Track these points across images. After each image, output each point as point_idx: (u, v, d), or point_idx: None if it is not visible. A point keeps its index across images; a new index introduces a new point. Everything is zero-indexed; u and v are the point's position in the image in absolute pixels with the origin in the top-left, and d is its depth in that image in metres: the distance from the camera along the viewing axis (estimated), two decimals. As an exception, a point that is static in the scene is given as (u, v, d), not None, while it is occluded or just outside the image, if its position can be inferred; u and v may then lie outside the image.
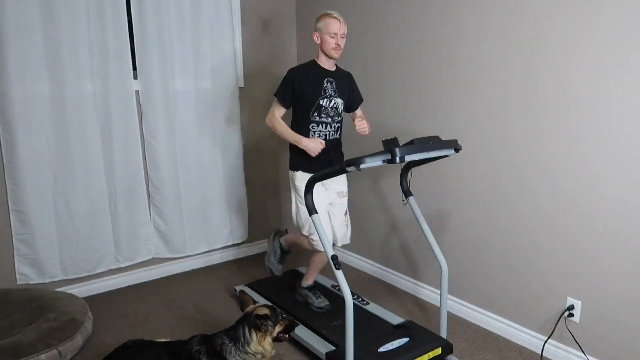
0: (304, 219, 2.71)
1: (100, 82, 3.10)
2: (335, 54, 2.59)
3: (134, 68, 3.24)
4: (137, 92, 3.27)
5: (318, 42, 2.60)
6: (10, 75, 2.79)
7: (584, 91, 2.23)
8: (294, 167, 2.73)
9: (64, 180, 3.06)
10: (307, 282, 3.01)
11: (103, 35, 3.05)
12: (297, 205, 2.75)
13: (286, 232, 3.22)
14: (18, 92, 2.83)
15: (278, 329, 2.18)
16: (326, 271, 3.48)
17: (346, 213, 2.85)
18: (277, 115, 2.66)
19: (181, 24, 3.33)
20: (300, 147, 2.58)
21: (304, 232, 2.77)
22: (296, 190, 2.72)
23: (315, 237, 2.70)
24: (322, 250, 2.73)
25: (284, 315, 2.25)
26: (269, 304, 2.37)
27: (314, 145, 2.56)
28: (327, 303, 2.90)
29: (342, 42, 2.57)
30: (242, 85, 3.73)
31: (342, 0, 3.45)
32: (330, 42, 2.54)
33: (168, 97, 3.34)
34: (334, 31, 2.52)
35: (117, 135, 3.20)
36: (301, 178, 2.66)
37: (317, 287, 3.06)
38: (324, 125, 2.64)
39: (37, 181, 2.97)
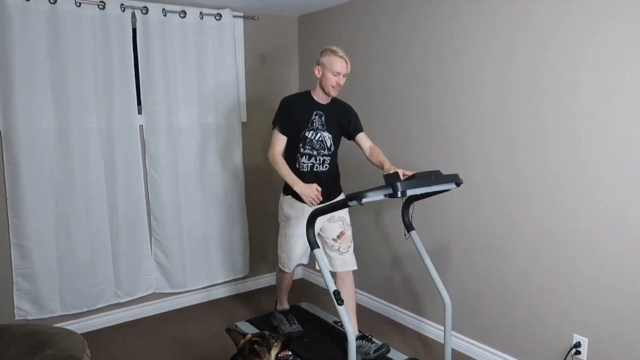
0: (280, 243, 2.86)
1: (105, 117, 3.14)
2: (334, 92, 2.60)
3: (139, 103, 3.29)
4: (141, 126, 3.31)
5: (318, 75, 2.60)
6: (17, 109, 2.84)
7: (591, 125, 2.25)
8: (285, 191, 2.77)
9: (66, 214, 3.06)
10: (282, 306, 3.14)
11: (109, 71, 3.11)
12: (281, 227, 2.84)
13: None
14: (24, 126, 2.87)
15: (275, 351, 2.15)
16: (329, 307, 3.45)
17: (338, 238, 2.76)
18: (278, 148, 2.66)
19: (186, 60, 3.40)
20: (295, 190, 2.54)
21: (279, 253, 2.89)
22: (282, 213, 2.80)
23: (282, 259, 2.86)
24: (284, 270, 2.88)
25: (275, 335, 2.22)
26: (258, 331, 2.34)
27: (308, 191, 2.50)
28: (300, 329, 2.99)
29: (342, 82, 2.58)
30: (245, 120, 3.77)
31: (345, 35, 3.52)
32: (332, 80, 2.54)
33: (172, 131, 3.39)
34: (337, 70, 2.51)
35: (120, 169, 3.22)
36: (289, 203, 2.74)
37: (292, 312, 3.16)
38: (307, 157, 2.66)
39: (40, 215, 2.97)
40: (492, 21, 2.57)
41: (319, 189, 2.51)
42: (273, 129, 2.72)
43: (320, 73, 2.58)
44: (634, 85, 2.07)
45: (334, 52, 2.53)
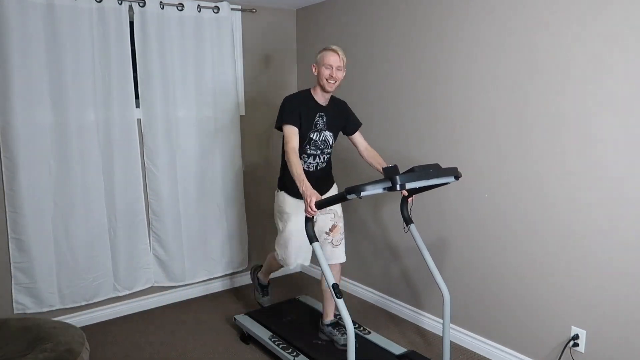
0: (277, 240, 2.89)
1: (103, 111, 3.13)
2: (329, 87, 2.57)
3: (136, 96, 3.27)
4: (138, 120, 3.29)
5: (315, 73, 2.63)
6: (14, 104, 2.82)
7: (597, 126, 2.25)
8: (280, 186, 2.83)
9: (64, 207, 3.06)
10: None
11: (106, 64, 3.10)
12: (277, 223, 2.87)
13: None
14: (22, 121, 2.86)
15: None
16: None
17: (330, 231, 2.78)
18: (293, 143, 2.54)
19: (184, 53, 3.39)
20: (300, 188, 2.38)
21: (276, 249, 2.90)
22: (278, 209, 2.86)
23: (281, 255, 2.85)
24: (284, 265, 2.90)
25: None
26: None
27: (310, 192, 2.31)
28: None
29: (338, 75, 2.55)
30: (243, 113, 3.76)
31: (343, 28, 3.51)
32: (325, 73, 2.54)
33: (169, 125, 3.37)
34: (329, 63, 2.53)
35: (118, 163, 3.21)
36: (282, 199, 2.79)
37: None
38: (313, 157, 2.70)
39: (37, 209, 2.96)
40: (506, 13, 2.57)
41: (317, 199, 2.32)
42: (279, 128, 2.63)
43: (316, 70, 2.63)
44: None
45: (326, 48, 2.59)
